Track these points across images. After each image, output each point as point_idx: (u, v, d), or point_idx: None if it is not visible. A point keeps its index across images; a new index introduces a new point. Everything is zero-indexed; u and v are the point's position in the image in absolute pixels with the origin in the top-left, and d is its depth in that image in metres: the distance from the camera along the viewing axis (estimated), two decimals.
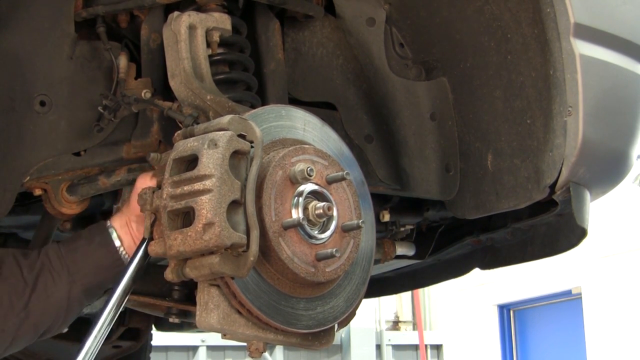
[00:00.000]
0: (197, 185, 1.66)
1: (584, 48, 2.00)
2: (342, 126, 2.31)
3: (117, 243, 1.91)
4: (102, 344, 3.06)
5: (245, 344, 1.87)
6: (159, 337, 4.15)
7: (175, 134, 1.81)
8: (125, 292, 1.87)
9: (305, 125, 1.97)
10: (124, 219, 1.94)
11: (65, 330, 1.96)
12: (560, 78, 2.00)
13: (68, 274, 1.87)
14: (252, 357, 1.91)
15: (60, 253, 1.88)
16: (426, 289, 9.90)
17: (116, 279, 1.89)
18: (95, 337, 1.82)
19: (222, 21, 2.01)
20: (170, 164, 1.73)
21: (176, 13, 1.95)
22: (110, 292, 1.89)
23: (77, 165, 2.03)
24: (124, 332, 3.10)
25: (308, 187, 1.84)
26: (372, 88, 2.33)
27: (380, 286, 3.04)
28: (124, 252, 1.91)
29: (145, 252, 1.85)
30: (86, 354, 1.79)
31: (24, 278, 1.83)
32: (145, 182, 1.90)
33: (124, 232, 1.92)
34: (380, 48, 2.29)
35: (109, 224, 1.94)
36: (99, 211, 2.22)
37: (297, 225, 1.79)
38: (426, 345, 9.84)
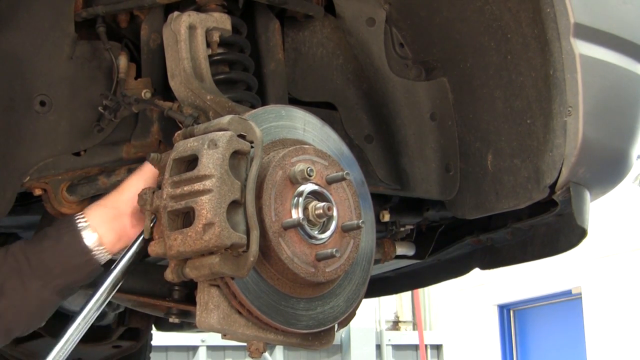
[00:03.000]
0: (197, 186, 1.66)
1: (584, 48, 2.00)
2: (342, 126, 2.31)
3: (89, 242, 1.81)
4: (102, 344, 3.07)
5: (245, 344, 1.87)
6: (159, 337, 4.15)
7: (175, 134, 1.81)
8: (110, 290, 1.80)
9: (305, 125, 1.97)
10: (110, 214, 1.85)
11: (42, 324, 1.89)
12: (560, 78, 2.00)
13: (38, 277, 1.78)
14: (252, 357, 1.91)
15: (27, 254, 1.79)
16: (426, 289, 9.90)
17: (91, 276, 1.83)
18: (72, 335, 1.76)
19: (222, 21, 2.01)
20: (170, 164, 1.73)
21: (176, 13, 1.95)
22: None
23: (77, 165, 2.03)
24: (124, 332, 3.10)
25: (308, 187, 1.84)
26: (372, 88, 2.33)
27: (380, 286, 3.04)
28: (102, 250, 1.82)
29: (140, 251, 1.80)
30: (60, 350, 1.74)
31: None
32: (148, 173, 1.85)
33: (108, 228, 1.83)
34: (380, 48, 2.29)
35: (81, 221, 1.82)
36: None
37: (297, 225, 1.79)
38: (426, 345, 9.84)
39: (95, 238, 1.82)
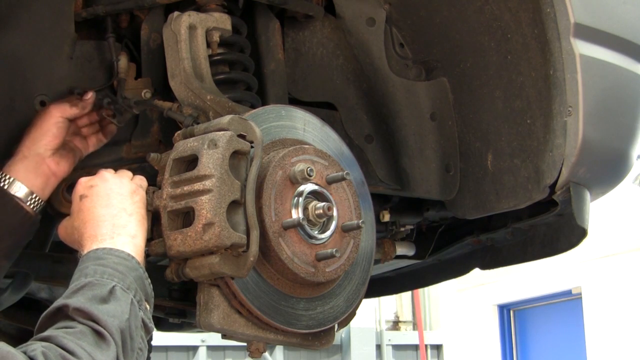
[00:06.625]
0: (197, 186, 1.66)
1: (584, 48, 2.00)
2: (342, 126, 2.31)
3: (21, 194, 1.79)
4: None
5: (245, 344, 1.87)
6: (159, 337, 4.15)
7: (175, 134, 1.81)
8: None
9: (305, 125, 1.97)
10: (32, 162, 1.82)
11: None
12: (560, 78, 2.00)
13: None
14: (252, 357, 1.91)
15: None
16: (426, 289, 9.88)
17: (32, 229, 1.82)
18: None
19: (222, 21, 2.01)
20: (170, 164, 1.73)
21: (176, 13, 1.95)
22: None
23: (77, 165, 2.03)
24: None
25: (308, 187, 1.84)
26: (372, 88, 2.33)
27: (380, 286, 3.04)
28: (36, 199, 1.81)
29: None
30: None
31: None
32: (61, 109, 1.86)
33: (36, 174, 1.81)
34: (380, 48, 2.29)
35: (5, 180, 1.80)
36: None
37: (297, 225, 1.79)
38: (426, 345, 9.84)
39: (24, 190, 1.81)
